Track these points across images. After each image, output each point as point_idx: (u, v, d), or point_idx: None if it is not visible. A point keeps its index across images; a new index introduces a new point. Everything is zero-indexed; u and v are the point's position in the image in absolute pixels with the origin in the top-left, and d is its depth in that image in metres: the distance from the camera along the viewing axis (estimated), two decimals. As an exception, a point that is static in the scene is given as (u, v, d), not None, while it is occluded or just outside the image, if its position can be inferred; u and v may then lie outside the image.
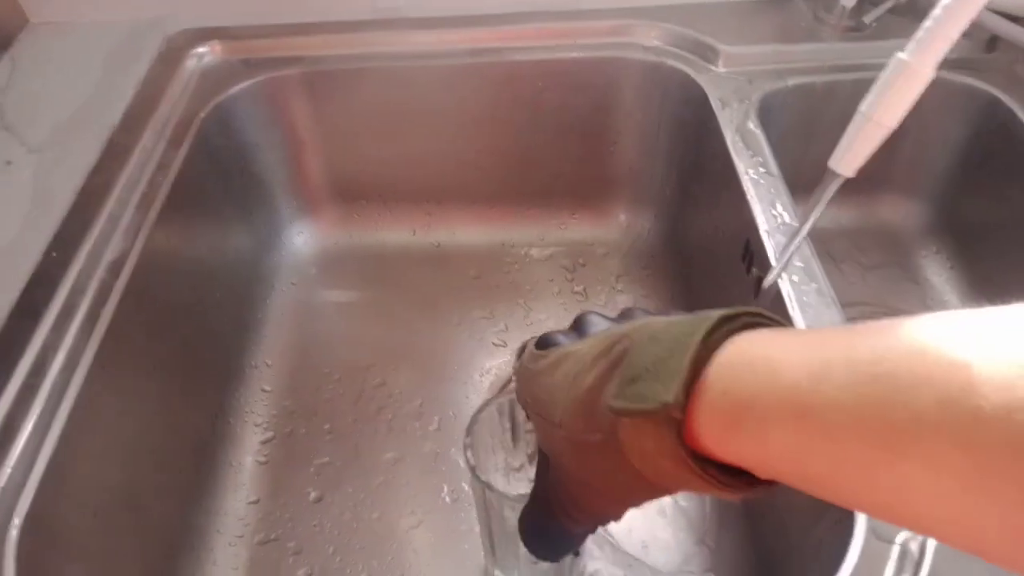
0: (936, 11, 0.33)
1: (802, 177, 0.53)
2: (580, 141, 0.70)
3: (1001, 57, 0.60)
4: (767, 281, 0.42)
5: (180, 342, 0.56)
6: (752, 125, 0.56)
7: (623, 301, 0.71)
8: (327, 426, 0.61)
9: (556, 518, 0.30)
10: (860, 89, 0.62)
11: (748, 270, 0.51)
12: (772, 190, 0.51)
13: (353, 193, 0.73)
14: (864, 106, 0.36)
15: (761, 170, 0.53)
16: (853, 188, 0.67)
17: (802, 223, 0.39)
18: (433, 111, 0.68)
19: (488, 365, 0.66)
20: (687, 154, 0.65)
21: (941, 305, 0.64)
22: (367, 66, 0.65)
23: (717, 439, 0.21)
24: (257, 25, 0.66)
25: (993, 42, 0.61)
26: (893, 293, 0.64)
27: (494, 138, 0.70)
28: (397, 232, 0.75)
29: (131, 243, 0.51)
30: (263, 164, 0.67)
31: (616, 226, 0.75)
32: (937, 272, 0.65)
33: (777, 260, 0.42)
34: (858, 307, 0.64)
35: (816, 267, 0.46)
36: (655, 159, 0.70)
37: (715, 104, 0.59)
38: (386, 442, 0.60)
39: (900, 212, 0.68)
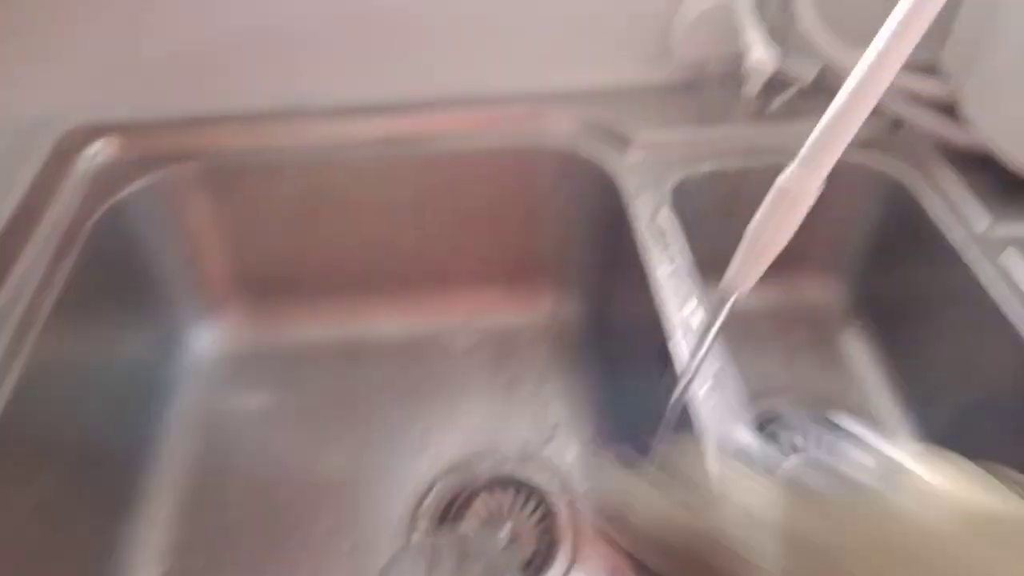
0: (813, 136, 0.32)
1: (722, 262, 0.52)
2: (501, 227, 0.69)
3: (906, 138, 0.61)
4: (672, 399, 0.40)
5: (64, 475, 0.51)
6: (664, 217, 0.55)
7: (549, 393, 0.68)
8: (229, 555, 0.56)
9: None
10: (773, 173, 0.62)
11: (663, 372, 0.50)
12: (683, 288, 0.50)
13: (263, 289, 0.70)
14: (751, 229, 0.34)
15: (673, 265, 0.52)
16: (776, 265, 0.66)
17: (698, 347, 0.38)
18: (345, 203, 0.65)
19: (408, 474, 0.62)
20: (606, 244, 0.64)
21: (863, 389, 0.63)
22: (273, 159, 0.63)
23: None
24: (155, 119, 0.63)
25: (898, 122, 0.61)
26: (818, 377, 0.64)
27: (411, 227, 0.68)
28: (312, 328, 0.72)
29: (3, 374, 0.47)
30: (162, 266, 0.64)
31: (543, 312, 0.73)
32: (861, 351, 0.65)
33: (680, 377, 0.41)
34: (784, 394, 0.63)
35: (729, 373, 0.45)
36: (578, 246, 0.68)
37: (628, 194, 0.58)
38: (295, 569, 0.56)
39: (822, 290, 0.67)
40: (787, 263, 0.66)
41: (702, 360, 0.38)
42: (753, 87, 0.54)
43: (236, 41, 0.61)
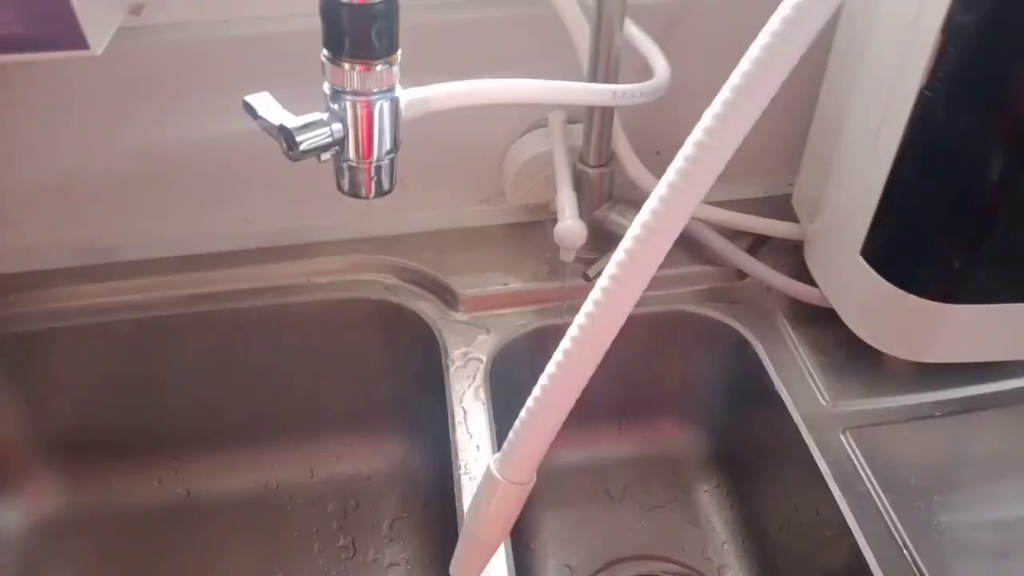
0: (517, 423, 0.27)
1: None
2: (336, 376, 0.63)
3: (751, 287, 0.57)
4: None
5: None
6: (475, 396, 0.50)
7: (395, 552, 0.63)
8: None
9: None
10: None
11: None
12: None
13: (78, 450, 0.63)
14: (467, 519, 0.30)
15: (479, 457, 0.47)
16: (634, 413, 0.62)
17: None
18: (160, 361, 0.60)
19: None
20: (434, 399, 0.59)
21: (720, 552, 0.58)
22: (71, 323, 0.57)
23: None
24: (-64, 281, 0.58)
25: (744, 272, 0.57)
26: (675, 540, 0.59)
27: (236, 380, 0.62)
28: (138, 485, 0.65)
29: None
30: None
31: (392, 456, 0.68)
32: (717, 511, 0.60)
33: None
34: (639, 562, 0.58)
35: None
36: (416, 394, 0.63)
37: (447, 363, 0.53)
38: None
39: (680, 441, 0.63)
40: (647, 412, 0.63)
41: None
42: (567, 255, 0.50)
43: (26, 191, 0.55)
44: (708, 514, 0.60)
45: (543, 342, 0.56)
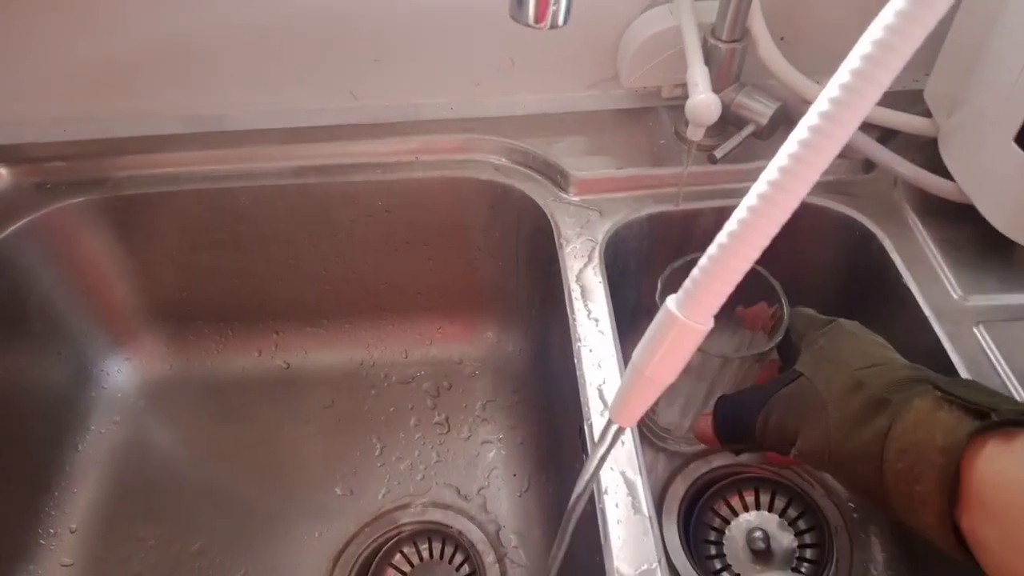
0: (703, 261, 0.27)
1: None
2: (437, 256, 0.63)
3: (877, 180, 0.55)
4: (569, 509, 0.36)
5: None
6: (593, 273, 0.50)
7: (488, 432, 0.64)
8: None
9: (763, 436, 0.40)
10: (721, 217, 0.56)
11: (584, 454, 0.45)
12: (602, 363, 0.45)
13: (181, 320, 0.65)
14: (636, 357, 0.29)
15: (597, 333, 0.47)
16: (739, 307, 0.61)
17: (584, 479, 0.33)
18: (266, 232, 0.60)
19: (327, 524, 0.59)
20: (543, 283, 0.58)
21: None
22: (182, 188, 0.57)
23: (971, 522, 0.30)
24: (55, 142, 0.58)
25: (870, 163, 0.55)
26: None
27: (338, 255, 0.62)
28: (240, 355, 0.67)
29: None
30: (64, 299, 0.59)
31: (485, 343, 0.68)
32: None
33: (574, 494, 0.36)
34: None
35: (639, 483, 0.40)
36: (517, 279, 0.63)
37: (561, 241, 0.52)
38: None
39: (782, 338, 0.62)
40: (749, 302, 0.61)
41: (590, 484, 0.34)
42: (696, 132, 0.48)
43: (140, 58, 0.55)
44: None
45: (657, 228, 0.54)
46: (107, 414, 0.64)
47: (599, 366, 0.45)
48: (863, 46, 0.21)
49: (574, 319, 0.47)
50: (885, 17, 0.20)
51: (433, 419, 0.65)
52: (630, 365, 0.30)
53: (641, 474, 0.39)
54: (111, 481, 0.60)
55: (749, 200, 0.25)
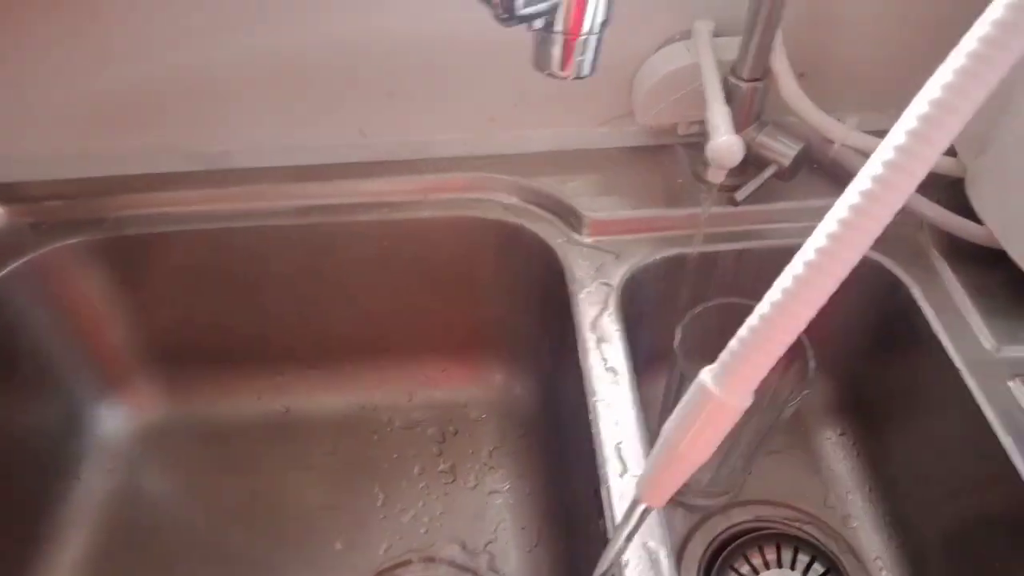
0: (743, 332, 0.24)
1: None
2: (444, 296, 0.61)
3: (902, 223, 0.52)
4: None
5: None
6: (610, 320, 0.47)
7: (495, 481, 0.62)
8: None
9: None
10: (740, 260, 0.54)
11: (599, 517, 0.43)
12: (620, 420, 0.43)
13: (182, 360, 0.63)
14: (669, 434, 0.27)
15: (614, 386, 0.44)
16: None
17: (607, 560, 0.31)
18: (269, 272, 0.58)
19: (327, 578, 0.56)
20: (554, 326, 0.56)
21: (843, 501, 0.55)
22: (182, 228, 0.56)
23: None
24: (53, 180, 0.56)
25: (894, 206, 0.53)
26: (795, 486, 0.56)
27: (342, 296, 0.60)
28: (240, 399, 0.65)
29: None
30: (57, 342, 0.57)
31: (491, 386, 0.66)
32: (842, 459, 0.57)
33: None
34: (759, 506, 0.55)
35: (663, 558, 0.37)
36: (528, 321, 0.61)
37: (575, 282, 0.50)
38: None
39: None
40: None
41: (612, 566, 0.31)
42: (717, 174, 0.46)
43: (141, 94, 0.53)
44: (831, 462, 0.57)
45: (674, 271, 0.52)
46: (99, 462, 0.61)
47: (617, 423, 0.42)
48: (921, 105, 0.19)
49: (589, 370, 0.45)
50: (943, 76, 0.18)
51: (438, 467, 0.62)
52: (661, 441, 0.28)
53: (665, 544, 0.37)
54: (102, 533, 0.58)
55: (795, 267, 0.23)
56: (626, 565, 0.36)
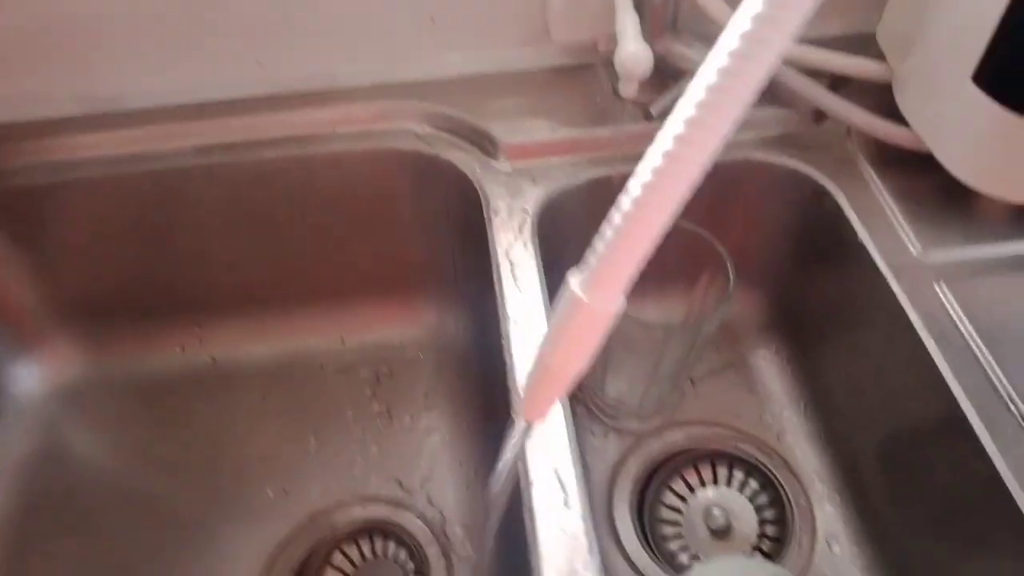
0: (605, 230, 0.23)
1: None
2: (366, 235, 0.59)
3: (829, 132, 0.51)
4: (488, 514, 0.32)
5: None
6: (524, 247, 0.45)
7: (431, 420, 0.60)
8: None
9: None
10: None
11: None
12: (529, 336, 0.41)
13: (96, 314, 0.60)
14: (541, 347, 0.25)
15: (528, 313, 0.43)
16: (684, 275, 0.57)
17: (499, 473, 0.29)
18: (169, 219, 0.55)
19: (259, 528, 0.55)
20: (477, 259, 0.54)
21: (778, 417, 0.55)
22: (77, 176, 0.52)
23: None
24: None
25: (820, 114, 0.51)
26: (730, 405, 0.55)
27: (258, 239, 0.58)
28: (161, 352, 0.62)
29: None
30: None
31: (426, 325, 0.64)
32: (776, 376, 0.56)
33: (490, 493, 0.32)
34: (693, 427, 0.55)
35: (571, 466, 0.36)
36: (452, 256, 0.59)
37: (489, 214, 0.48)
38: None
39: (739, 304, 0.58)
40: (694, 270, 0.58)
41: (504, 488, 0.30)
42: (628, 87, 0.43)
43: (21, 35, 0.49)
44: (766, 380, 0.56)
45: (595, 194, 0.50)
46: (16, 423, 0.59)
47: (521, 343, 0.41)
48: None
49: (504, 300, 0.43)
50: None
51: (373, 409, 0.61)
52: (536, 356, 0.26)
53: (575, 466, 0.36)
54: (22, 495, 0.56)
55: (653, 160, 0.21)
56: (532, 486, 0.35)
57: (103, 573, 0.52)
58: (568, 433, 0.37)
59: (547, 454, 0.36)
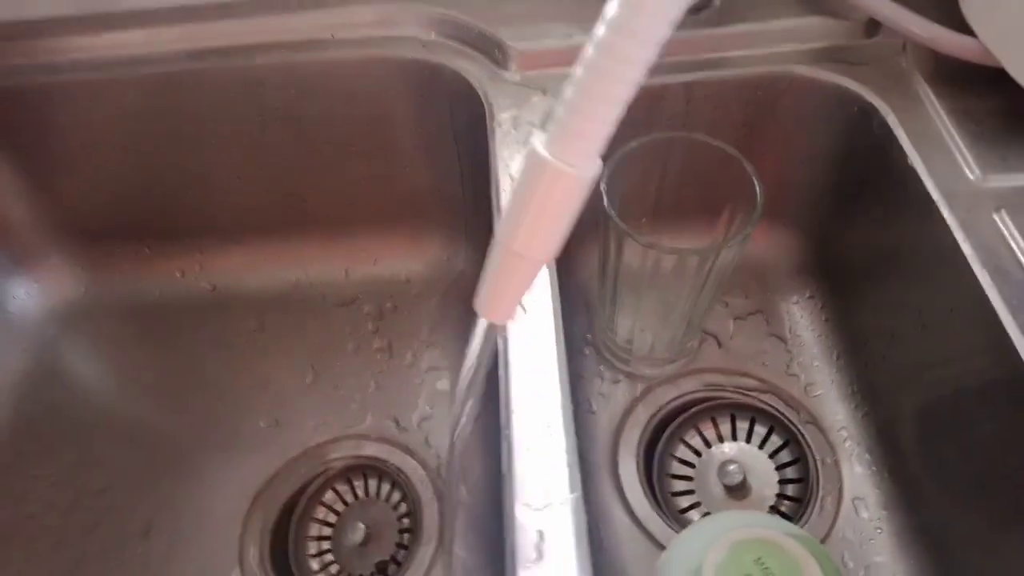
0: (575, 71, 0.18)
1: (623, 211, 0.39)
2: (367, 157, 0.55)
3: (882, 45, 0.44)
4: (453, 434, 0.28)
5: None
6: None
7: (434, 358, 0.57)
8: (24, 553, 0.48)
9: None
10: (691, 94, 0.47)
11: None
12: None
13: (94, 233, 0.57)
14: (501, 232, 0.21)
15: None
16: (714, 209, 0.52)
17: (465, 380, 0.25)
18: (161, 131, 0.52)
19: (247, 459, 0.52)
20: (484, 185, 0.50)
21: (807, 369, 0.50)
22: (64, 79, 0.49)
23: None
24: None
25: (873, 26, 0.45)
26: (755, 353, 0.50)
27: (253, 158, 0.54)
28: (160, 276, 0.60)
29: None
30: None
31: (432, 260, 0.60)
32: (808, 324, 0.51)
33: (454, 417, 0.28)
34: (712, 374, 0.50)
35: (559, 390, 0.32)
36: (461, 182, 0.55)
37: (495, 126, 0.44)
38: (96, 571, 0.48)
39: (770, 245, 0.53)
40: (718, 208, 0.53)
41: (468, 398, 0.26)
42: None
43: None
44: (796, 327, 0.51)
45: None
46: (12, 342, 0.57)
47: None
48: None
49: (500, 209, 0.39)
50: None
51: (374, 344, 0.58)
52: (494, 238, 0.22)
53: (562, 384, 0.32)
54: (12, 415, 0.54)
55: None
56: (513, 412, 0.31)
57: (83, 496, 0.51)
58: (557, 346, 0.33)
59: (532, 371, 0.32)
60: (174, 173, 0.55)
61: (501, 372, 0.34)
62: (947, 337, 0.39)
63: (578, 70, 0.18)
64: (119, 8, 0.50)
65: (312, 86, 0.50)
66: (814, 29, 0.45)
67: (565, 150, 0.19)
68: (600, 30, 0.17)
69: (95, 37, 0.50)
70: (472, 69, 0.47)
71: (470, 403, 0.26)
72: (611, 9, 0.17)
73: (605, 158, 0.47)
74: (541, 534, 0.29)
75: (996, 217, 0.36)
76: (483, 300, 0.23)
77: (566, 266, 0.54)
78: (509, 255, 0.21)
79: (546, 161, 0.19)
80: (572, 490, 0.29)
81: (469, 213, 0.56)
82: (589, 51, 0.17)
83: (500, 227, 0.21)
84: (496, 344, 0.24)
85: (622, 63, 0.17)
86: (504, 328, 0.36)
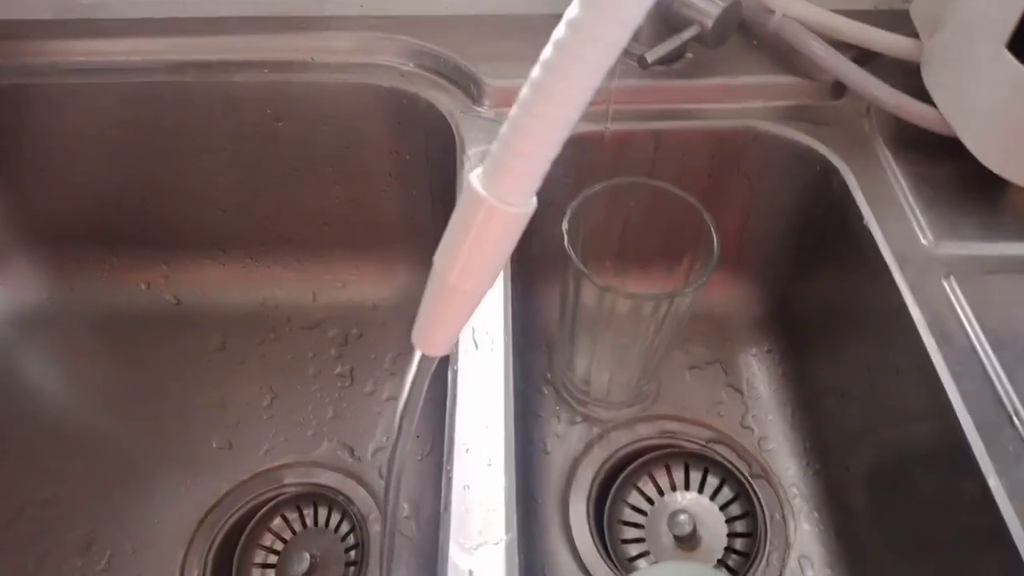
0: (513, 110, 0.19)
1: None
2: (342, 181, 0.55)
3: (847, 108, 0.46)
4: (388, 466, 0.28)
5: None
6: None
7: (395, 387, 0.57)
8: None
9: None
10: (659, 142, 0.48)
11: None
12: (491, 312, 0.37)
13: (62, 238, 0.57)
14: (437, 260, 0.21)
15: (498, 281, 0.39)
16: (676, 259, 0.53)
17: (402, 411, 0.25)
18: (136, 139, 0.52)
19: (197, 480, 0.51)
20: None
21: (762, 422, 0.50)
22: (42, 82, 0.50)
23: None
24: None
25: (839, 88, 0.46)
26: (711, 403, 0.50)
27: (227, 173, 0.54)
28: (126, 287, 0.59)
29: None
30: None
31: (401, 288, 0.60)
32: (765, 377, 0.51)
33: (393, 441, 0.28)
34: (668, 421, 0.50)
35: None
36: (432, 211, 0.55)
37: (463, 159, 0.44)
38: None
39: (732, 296, 0.53)
40: (679, 255, 0.54)
41: (401, 429, 0.26)
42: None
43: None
44: (753, 380, 0.52)
45: (584, 151, 0.46)
46: (-33, 344, 0.57)
47: (488, 314, 0.37)
48: None
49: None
50: None
51: (335, 370, 0.57)
52: (432, 271, 0.22)
53: (507, 422, 0.32)
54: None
55: (558, 30, 0.18)
56: (462, 450, 0.31)
57: (25, 506, 0.49)
58: (506, 375, 0.33)
59: (479, 407, 0.32)
60: (146, 184, 0.55)
61: (448, 407, 0.34)
62: (893, 398, 0.40)
63: (514, 109, 0.18)
64: (104, 16, 0.51)
65: (290, 107, 0.50)
66: (782, 87, 0.46)
67: (499, 186, 0.19)
68: (536, 71, 0.17)
69: (78, 42, 0.50)
70: (446, 101, 0.47)
71: (404, 434, 0.26)
72: (547, 52, 0.17)
73: (570, 199, 0.48)
74: (471, 574, 0.28)
75: (945, 283, 0.37)
76: (419, 331, 0.23)
77: (530, 304, 0.54)
78: (445, 287, 0.21)
79: (481, 197, 0.19)
80: (507, 531, 0.29)
81: (438, 241, 0.56)
82: (525, 91, 0.18)
83: (436, 258, 0.21)
84: (428, 376, 0.24)
85: (556, 104, 0.17)
86: (452, 361, 0.36)
